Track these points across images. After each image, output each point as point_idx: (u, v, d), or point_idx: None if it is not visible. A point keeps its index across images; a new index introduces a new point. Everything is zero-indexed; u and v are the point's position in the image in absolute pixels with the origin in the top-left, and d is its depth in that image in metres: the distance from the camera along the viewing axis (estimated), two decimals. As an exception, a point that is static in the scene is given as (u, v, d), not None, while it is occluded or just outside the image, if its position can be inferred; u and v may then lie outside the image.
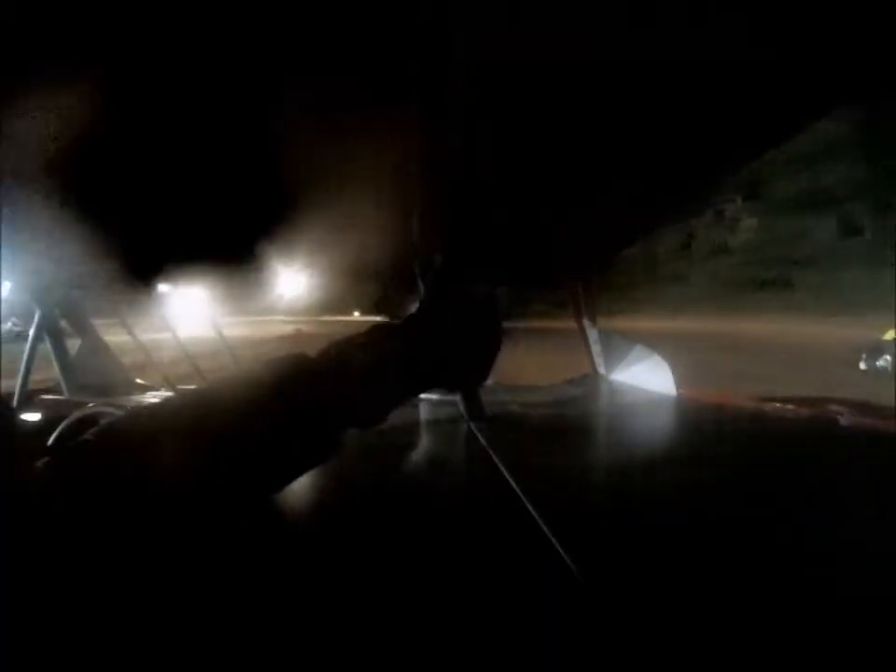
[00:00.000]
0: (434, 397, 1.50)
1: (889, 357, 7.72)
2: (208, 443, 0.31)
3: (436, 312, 0.38)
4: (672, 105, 0.70)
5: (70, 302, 2.01)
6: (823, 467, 0.85)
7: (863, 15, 0.54)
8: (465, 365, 0.39)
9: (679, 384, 1.54)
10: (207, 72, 0.60)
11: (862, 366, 7.96)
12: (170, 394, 1.72)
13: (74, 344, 2.04)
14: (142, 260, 1.33)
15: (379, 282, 1.63)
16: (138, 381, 2.23)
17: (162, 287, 2.03)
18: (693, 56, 0.58)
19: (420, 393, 0.39)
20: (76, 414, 1.41)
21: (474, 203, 1.00)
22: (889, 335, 7.97)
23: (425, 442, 1.14)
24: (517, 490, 0.70)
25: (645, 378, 1.65)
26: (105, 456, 0.31)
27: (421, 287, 0.80)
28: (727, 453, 0.95)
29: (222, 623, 0.38)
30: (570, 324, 1.95)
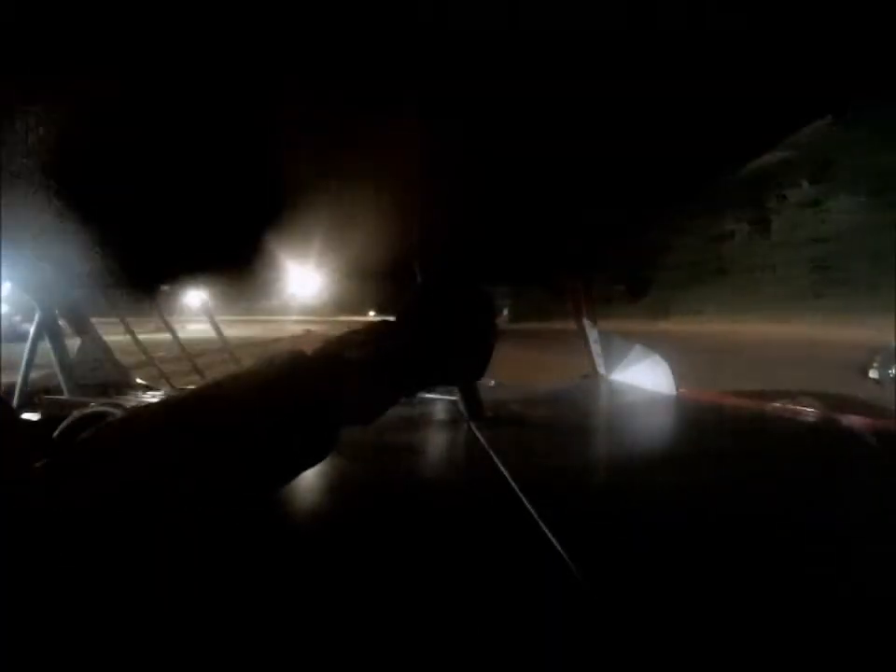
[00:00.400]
0: (434, 396, 1.50)
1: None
2: (208, 442, 0.31)
3: (434, 309, 0.38)
4: (670, 104, 0.70)
5: (70, 302, 2.01)
6: (823, 467, 0.85)
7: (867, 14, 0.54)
8: (462, 362, 0.39)
9: (678, 383, 1.54)
10: (213, 74, 0.60)
11: (872, 374, 6.85)
12: (169, 393, 1.72)
13: (74, 344, 2.04)
14: (148, 261, 1.33)
15: (390, 281, 1.64)
16: (138, 381, 2.23)
17: (164, 287, 2.03)
18: (691, 54, 0.58)
19: (418, 390, 0.39)
20: (76, 414, 1.41)
21: (474, 203, 1.00)
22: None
23: (425, 442, 1.14)
24: (517, 490, 0.70)
25: (645, 378, 1.65)
26: (104, 456, 0.31)
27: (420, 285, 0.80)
28: (727, 453, 0.95)
29: (222, 621, 0.38)
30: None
